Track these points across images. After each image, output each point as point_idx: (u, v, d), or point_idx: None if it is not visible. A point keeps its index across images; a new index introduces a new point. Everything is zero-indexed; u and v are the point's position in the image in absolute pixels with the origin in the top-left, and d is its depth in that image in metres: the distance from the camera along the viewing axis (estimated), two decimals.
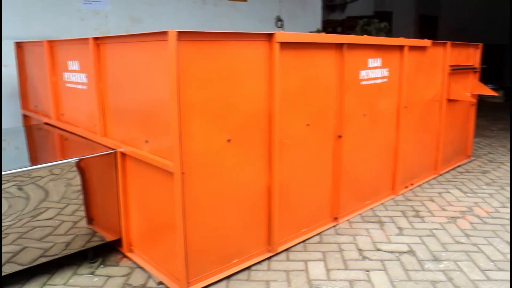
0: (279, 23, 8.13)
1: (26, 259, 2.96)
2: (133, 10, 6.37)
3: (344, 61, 3.72)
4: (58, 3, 5.61)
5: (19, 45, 4.89)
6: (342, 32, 12.01)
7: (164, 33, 2.56)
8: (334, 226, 3.98)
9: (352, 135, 4.00)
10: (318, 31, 8.68)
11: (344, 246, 3.63)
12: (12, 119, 5.22)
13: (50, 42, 4.14)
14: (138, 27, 6.38)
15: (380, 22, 9.19)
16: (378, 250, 3.57)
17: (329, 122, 3.77)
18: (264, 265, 3.32)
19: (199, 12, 7.18)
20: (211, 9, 7.32)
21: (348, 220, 4.12)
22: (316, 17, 9.05)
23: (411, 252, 3.54)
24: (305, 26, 8.59)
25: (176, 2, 6.86)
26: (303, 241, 3.68)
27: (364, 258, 3.44)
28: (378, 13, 14.60)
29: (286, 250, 3.53)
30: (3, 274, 2.89)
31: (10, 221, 2.86)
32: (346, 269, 3.27)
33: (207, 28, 6.97)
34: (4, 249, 2.86)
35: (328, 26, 12.45)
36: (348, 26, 12.41)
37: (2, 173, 2.81)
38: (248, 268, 3.25)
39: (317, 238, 3.75)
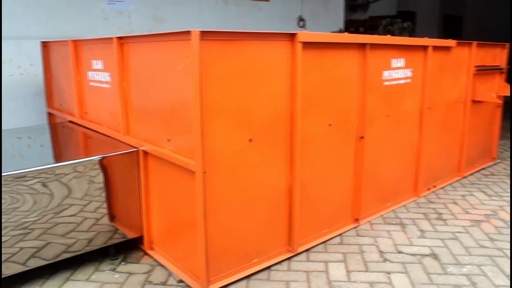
0: (301, 22, 8.10)
1: (50, 254, 3.02)
2: (156, 10, 6.42)
3: (367, 62, 3.68)
4: (83, 3, 5.69)
5: (45, 45, 4.98)
6: (365, 32, 11.90)
7: (187, 32, 2.58)
8: (355, 227, 3.94)
9: (374, 136, 3.96)
10: (340, 31, 8.63)
11: (365, 247, 3.60)
12: (39, 117, 5.32)
13: (75, 41, 4.20)
14: (161, 26, 6.44)
15: (403, 22, 9.09)
16: (400, 252, 3.53)
17: (351, 123, 3.74)
18: (284, 265, 3.31)
19: (221, 12, 7.20)
20: (233, 9, 7.33)
21: (369, 221, 4.09)
22: (338, 17, 9.00)
23: (433, 255, 3.49)
24: (327, 26, 8.54)
25: (198, 2, 6.89)
26: (324, 242, 3.66)
27: (385, 260, 3.41)
28: (401, 12, 14.44)
29: (307, 250, 3.51)
30: (28, 268, 2.95)
31: (35, 217, 2.91)
32: (366, 271, 3.24)
33: (230, 28, 6.99)
34: (28, 244, 2.91)
35: (351, 26, 12.35)
36: (370, 26, 12.28)
37: (28, 169, 2.87)
38: (268, 268, 3.25)
39: (337, 239, 3.73)
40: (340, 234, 3.81)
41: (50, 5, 5.41)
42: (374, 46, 3.74)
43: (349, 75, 3.65)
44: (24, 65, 5.28)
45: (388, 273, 3.22)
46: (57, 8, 5.47)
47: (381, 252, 3.53)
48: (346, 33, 3.73)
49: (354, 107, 3.74)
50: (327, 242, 3.67)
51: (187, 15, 6.77)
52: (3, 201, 2.79)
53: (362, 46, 3.67)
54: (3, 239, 2.82)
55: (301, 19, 8.13)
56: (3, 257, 2.84)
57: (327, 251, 3.54)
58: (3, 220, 2.80)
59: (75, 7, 5.63)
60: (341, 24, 9.01)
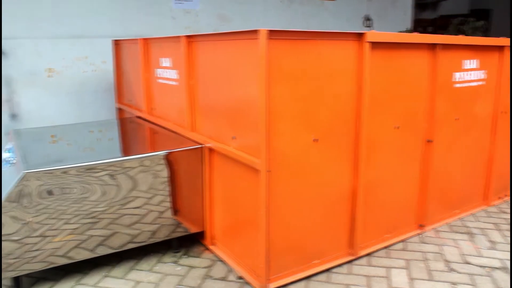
0: (367, 22, 7.93)
1: (116, 243, 3.14)
2: (222, 9, 6.52)
3: (437, 63, 3.55)
4: (152, 3, 5.88)
5: (116, 43, 5.19)
6: (434, 32, 11.48)
7: (255, 31, 2.59)
8: (419, 234, 3.81)
9: (442, 140, 3.80)
10: (408, 31, 8.37)
11: (429, 255, 3.47)
12: (109, 112, 5.56)
13: (145, 39, 4.34)
14: (227, 25, 6.52)
15: (477, 20, 8.67)
16: (467, 263, 3.37)
17: (419, 126, 3.62)
18: (345, 268, 3.26)
19: (286, 11, 7.19)
20: (298, 8, 7.30)
21: (434, 228, 3.93)
22: (406, 16, 8.73)
23: (504, 269, 3.30)
24: (394, 26, 8.31)
25: (263, 2, 6.92)
26: (386, 247, 3.56)
27: (451, 270, 3.27)
28: (475, 11, 13.78)
29: (368, 255, 3.44)
30: (96, 255, 3.10)
31: (103, 207, 3.04)
32: (430, 280, 3.12)
33: (294, 27, 6.96)
34: (97, 232, 3.05)
35: (419, 26, 11.95)
36: (440, 26, 11.83)
37: (97, 162, 3.00)
38: (328, 270, 3.21)
39: (400, 245, 3.62)
40: (403, 240, 3.69)
41: (122, 5, 5.64)
42: (445, 46, 3.60)
43: (418, 76, 3.53)
44: (97, 62, 5.53)
45: (454, 284, 3.09)
46: (129, 8, 5.69)
47: (446, 261, 3.39)
48: (416, 33, 3.61)
49: (422, 110, 3.61)
50: (390, 247, 3.57)
51: (252, 14, 6.82)
52: (74, 190, 2.93)
53: (432, 46, 3.53)
54: (75, 226, 2.97)
55: (367, 18, 7.96)
56: (75, 243, 2.99)
57: (389, 256, 3.45)
58: (74, 208, 2.95)
59: (145, 7, 5.83)
60: (409, 24, 8.73)
